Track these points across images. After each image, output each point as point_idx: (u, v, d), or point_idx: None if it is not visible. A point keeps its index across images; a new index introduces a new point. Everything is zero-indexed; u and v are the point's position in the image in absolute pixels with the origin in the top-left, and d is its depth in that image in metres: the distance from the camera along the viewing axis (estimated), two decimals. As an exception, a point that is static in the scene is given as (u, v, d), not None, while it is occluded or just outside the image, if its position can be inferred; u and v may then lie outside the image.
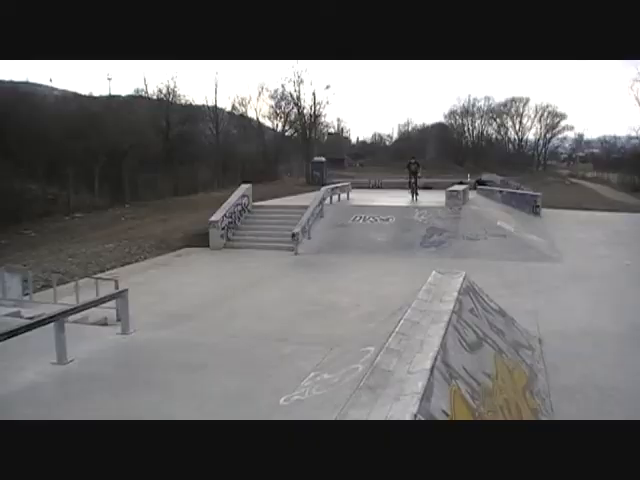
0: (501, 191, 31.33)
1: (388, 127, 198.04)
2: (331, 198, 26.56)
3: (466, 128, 79.90)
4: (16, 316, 11.91)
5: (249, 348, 10.21)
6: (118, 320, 11.57)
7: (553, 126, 77.31)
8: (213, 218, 23.38)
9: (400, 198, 27.83)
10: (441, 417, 5.09)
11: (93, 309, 11.15)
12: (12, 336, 8.32)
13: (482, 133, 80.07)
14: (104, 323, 12.04)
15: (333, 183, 32.80)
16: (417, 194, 28.36)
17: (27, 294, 14.14)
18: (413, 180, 28.59)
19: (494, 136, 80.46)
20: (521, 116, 77.62)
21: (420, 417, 4.73)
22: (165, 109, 49.05)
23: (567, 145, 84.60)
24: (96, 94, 51.09)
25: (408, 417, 4.65)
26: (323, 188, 26.65)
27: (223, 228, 23.33)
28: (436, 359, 5.99)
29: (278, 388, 7.93)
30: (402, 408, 4.88)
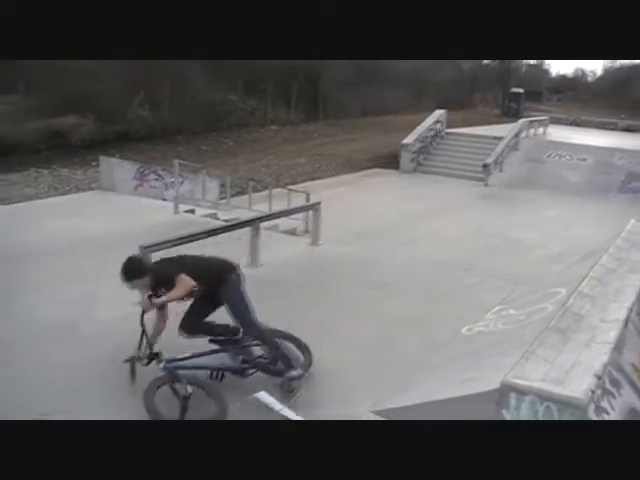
0: None
1: (593, 62, 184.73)
2: (527, 131, 25.44)
3: (685, 67, 72.71)
4: (213, 217, 12.62)
5: (431, 273, 10.16)
6: (306, 231, 11.92)
7: None
8: (405, 141, 23.25)
9: (600, 138, 26.17)
10: (630, 371, 4.90)
11: (282, 218, 11.54)
12: (211, 235, 8.80)
13: None
14: (293, 233, 12.46)
15: (530, 116, 31.41)
16: None
17: (223, 198, 14.87)
18: None
19: None
20: None
21: (610, 368, 4.51)
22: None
23: None
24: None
25: (598, 366, 4.46)
26: (521, 120, 25.61)
27: (414, 152, 23.15)
28: (631, 310, 5.70)
29: (460, 316, 7.86)
30: (592, 355, 4.72)
